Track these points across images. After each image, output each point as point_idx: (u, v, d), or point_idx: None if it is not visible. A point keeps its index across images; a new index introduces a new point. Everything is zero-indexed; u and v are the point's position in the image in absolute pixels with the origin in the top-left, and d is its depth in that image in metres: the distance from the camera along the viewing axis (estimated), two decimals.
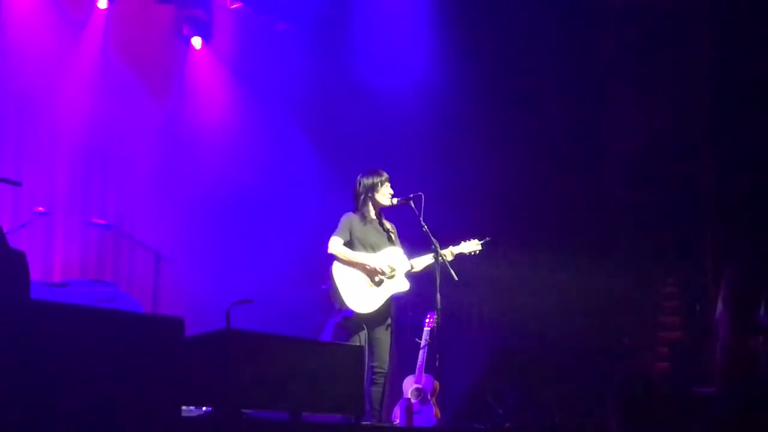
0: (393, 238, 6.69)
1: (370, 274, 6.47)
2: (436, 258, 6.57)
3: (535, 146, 8.75)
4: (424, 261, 6.66)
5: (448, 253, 6.67)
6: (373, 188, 6.62)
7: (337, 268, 6.45)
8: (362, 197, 6.63)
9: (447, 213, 7.23)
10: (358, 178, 6.68)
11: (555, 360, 8.11)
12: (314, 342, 5.88)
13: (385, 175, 6.65)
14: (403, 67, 9.23)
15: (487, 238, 6.89)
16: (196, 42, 9.00)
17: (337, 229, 6.52)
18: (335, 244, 6.47)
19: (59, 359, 3.14)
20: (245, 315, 5.64)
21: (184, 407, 3.92)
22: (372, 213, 6.66)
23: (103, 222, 7.62)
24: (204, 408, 4.39)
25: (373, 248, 6.54)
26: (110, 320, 3.31)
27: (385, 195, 6.62)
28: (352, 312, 6.38)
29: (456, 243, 6.79)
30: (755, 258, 2.81)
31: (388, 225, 6.73)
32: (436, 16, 9.22)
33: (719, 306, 2.80)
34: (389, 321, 6.53)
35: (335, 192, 7.67)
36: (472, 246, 6.84)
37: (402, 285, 6.55)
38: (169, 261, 7.55)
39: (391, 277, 6.50)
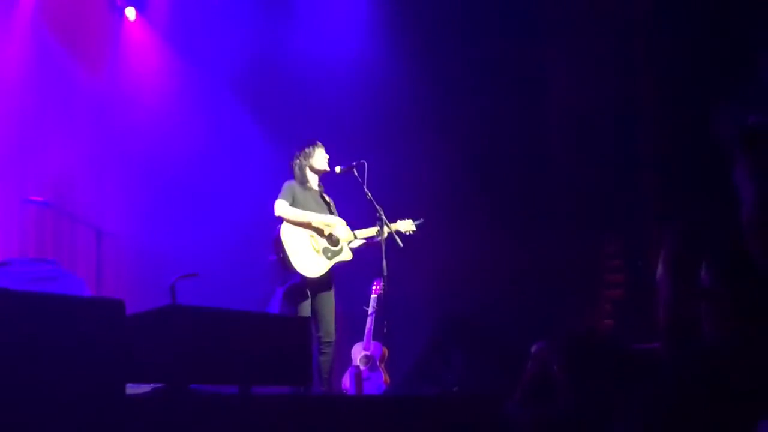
0: (333, 210, 6.72)
1: (318, 233, 6.50)
2: (380, 225, 6.62)
3: (474, 110, 8.73)
4: (366, 233, 6.76)
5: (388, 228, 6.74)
6: (308, 156, 6.64)
7: (285, 231, 6.43)
8: (298, 167, 6.64)
9: (387, 188, 7.23)
10: (294, 153, 6.70)
11: (501, 322, 8.17)
12: (261, 315, 5.84)
13: (318, 142, 6.70)
14: (341, 38, 9.16)
15: (421, 220, 7.05)
16: (130, 13, 8.83)
17: (281, 194, 6.52)
18: (282, 206, 6.44)
19: None
20: (191, 289, 5.62)
21: (131, 384, 3.89)
22: (313, 183, 6.67)
23: (40, 199, 7.47)
24: (152, 385, 4.35)
25: None
26: (49, 304, 3.27)
27: (320, 159, 6.65)
28: (300, 277, 6.38)
29: (393, 221, 6.86)
30: (696, 220, 2.84)
31: (327, 198, 6.76)
32: None
33: (660, 268, 2.82)
34: (331, 290, 6.58)
35: (277, 163, 7.62)
36: (407, 226, 6.97)
37: (346, 254, 6.63)
38: (111, 237, 7.45)
39: (335, 244, 6.53)
